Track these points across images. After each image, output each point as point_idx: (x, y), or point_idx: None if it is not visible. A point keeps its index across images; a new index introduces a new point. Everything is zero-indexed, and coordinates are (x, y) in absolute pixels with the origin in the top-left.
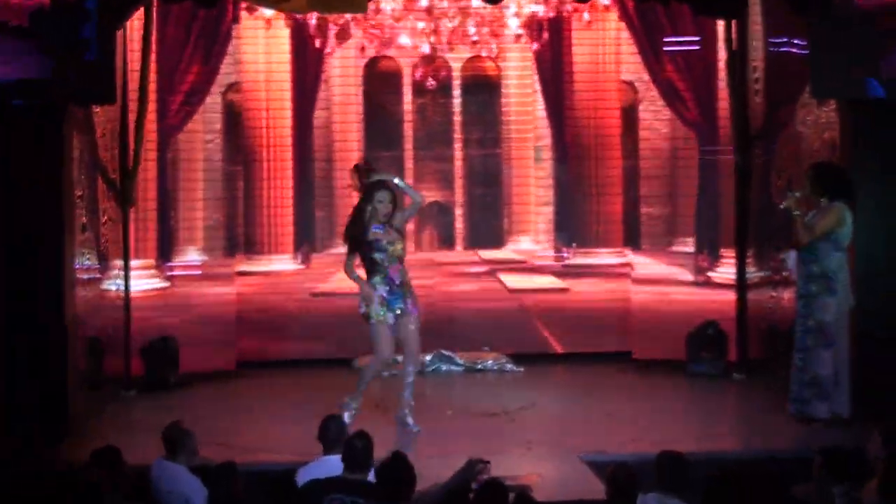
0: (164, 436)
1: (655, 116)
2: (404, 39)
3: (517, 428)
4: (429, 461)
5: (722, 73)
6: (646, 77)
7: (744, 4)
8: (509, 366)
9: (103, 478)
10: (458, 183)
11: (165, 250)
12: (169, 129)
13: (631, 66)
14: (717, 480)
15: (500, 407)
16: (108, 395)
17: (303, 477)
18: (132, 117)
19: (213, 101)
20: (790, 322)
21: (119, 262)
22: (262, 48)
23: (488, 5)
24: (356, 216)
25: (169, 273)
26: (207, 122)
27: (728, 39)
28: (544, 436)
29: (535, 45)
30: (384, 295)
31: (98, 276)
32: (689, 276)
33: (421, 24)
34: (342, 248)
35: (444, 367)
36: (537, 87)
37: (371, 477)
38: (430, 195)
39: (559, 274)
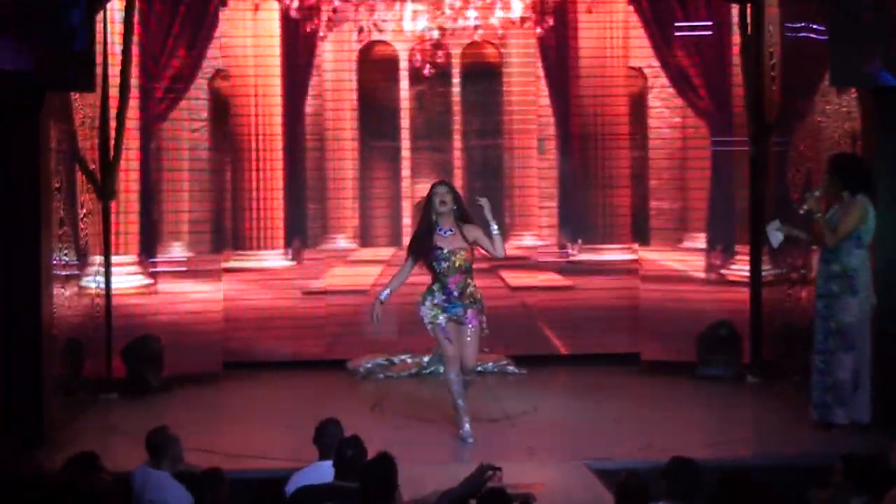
0: (147, 441)
1: (665, 105)
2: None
3: (519, 433)
4: (426, 468)
5: (736, 60)
6: (655, 63)
7: None
8: (511, 368)
9: (80, 484)
10: (458, 175)
11: (148, 245)
12: (152, 117)
13: (640, 51)
14: (727, 486)
15: (501, 411)
16: (88, 399)
17: (296, 482)
18: (113, 105)
19: (199, 88)
20: (807, 322)
21: (99, 258)
22: (250, 32)
23: None
24: (421, 220)
25: (152, 269)
26: (193, 110)
27: (742, 24)
28: (548, 442)
29: (539, 30)
30: (439, 302)
31: (77, 272)
32: (701, 274)
33: (419, 6)
34: (335, 244)
35: (442, 369)
36: (541, 73)
37: None
38: (428, 188)
39: (564, 271)
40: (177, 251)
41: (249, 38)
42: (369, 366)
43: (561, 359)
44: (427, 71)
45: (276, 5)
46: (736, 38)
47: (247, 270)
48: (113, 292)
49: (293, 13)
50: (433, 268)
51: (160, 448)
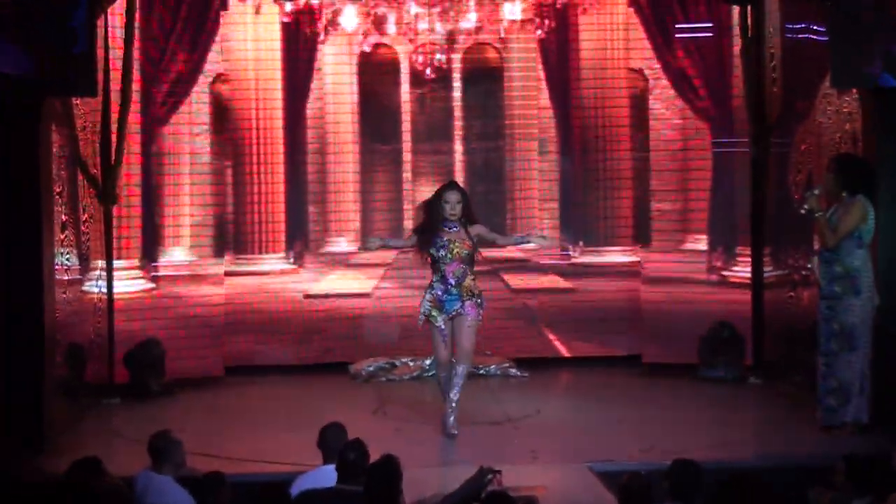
0: (149, 445)
1: (666, 106)
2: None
3: (522, 436)
4: (429, 471)
5: (736, 61)
6: (656, 65)
7: None
8: (513, 371)
9: (82, 487)
10: (459, 178)
11: (150, 250)
12: (153, 121)
13: (640, 53)
14: (729, 487)
15: (503, 414)
16: (90, 404)
17: (299, 486)
18: (114, 109)
19: (200, 91)
20: (809, 323)
21: (101, 263)
22: (251, 36)
23: None
24: (428, 210)
25: (154, 274)
26: (194, 114)
27: (743, 25)
28: (551, 444)
29: (540, 32)
30: (439, 295)
31: (79, 277)
32: (703, 276)
33: (420, 9)
34: (337, 247)
35: None
36: (542, 76)
37: None
38: (430, 191)
39: (565, 273)
40: (178, 255)
41: (250, 41)
42: (371, 369)
43: (563, 361)
44: (428, 74)
45: (277, 9)
46: (736, 40)
47: (248, 274)
48: (115, 296)
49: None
50: (432, 255)
51: (162, 452)
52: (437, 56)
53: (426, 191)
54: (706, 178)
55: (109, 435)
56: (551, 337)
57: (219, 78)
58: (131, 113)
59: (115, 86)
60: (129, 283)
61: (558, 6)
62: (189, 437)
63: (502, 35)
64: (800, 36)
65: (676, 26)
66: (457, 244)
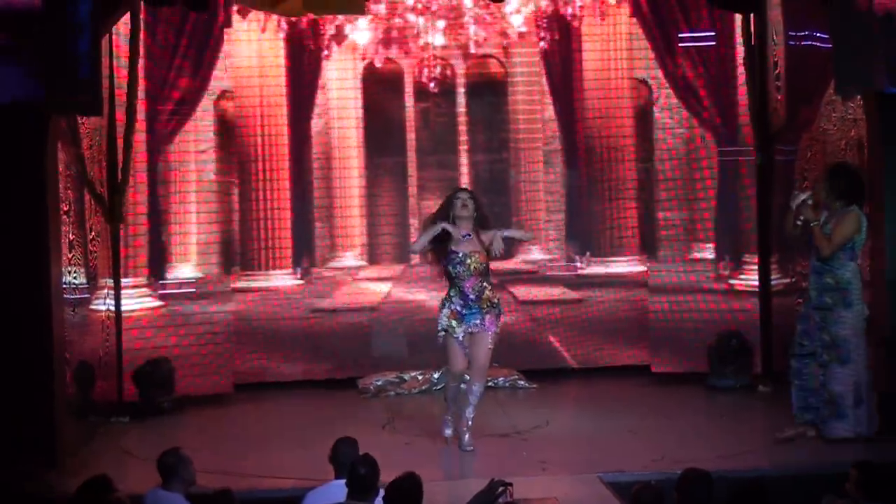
0: (159, 463)
1: (671, 116)
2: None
3: (531, 448)
4: (437, 485)
5: (740, 69)
6: (660, 74)
7: None
8: (521, 382)
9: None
10: None
11: (157, 268)
12: (159, 139)
13: (644, 63)
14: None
15: (512, 426)
16: (100, 422)
17: (310, 502)
18: (120, 128)
19: (205, 109)
20: None
21: (109, 281)
22: (255, 53)
23: (493, 2)
24: (439, 209)
25: (161, 291)
26: (199, 131)
27: (746, 33)
28: (560, 456)
29: (543, 44)
30: (458, 309)
31: (87, 295)
32: (710, 284)
33: (424, 23)
34: (343, 262)
35: None
36: (545, 87)
37: (378, 502)
38: (435, 203)
39: (572, 284)
40: (186, 272)
41: (255, 58)
42: (380, 383)
43: (571, 372)
44: (432, 87)
45: (281, 25)
46: (740, 48)
47: (255, 290)
48: (123, 315)
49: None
50: (449, 272)
51: (172, 470)
52: (441, 69)
53: (432, 204)
54: (712, 186)
55: (120, 453)
56: (559, 348)
57: (223, 95)
58: (136, 131)
59: (121, 104)
60: (136, 301)
61: (561, 17)
62: (199, 454)
63: (505, 47)
64: (803, 43)
65: (679, 35)
66: (473, 258)
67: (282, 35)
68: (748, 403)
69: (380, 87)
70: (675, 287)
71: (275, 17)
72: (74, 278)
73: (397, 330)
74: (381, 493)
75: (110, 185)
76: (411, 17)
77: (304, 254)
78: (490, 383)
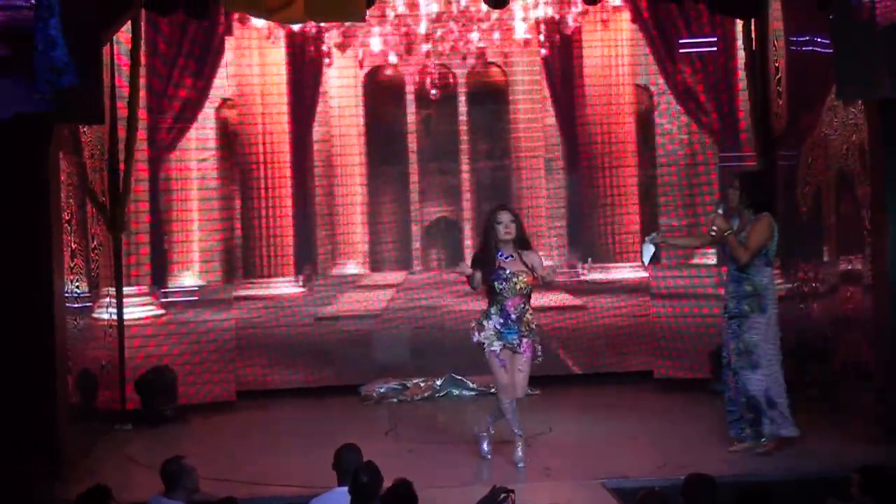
0: (162, 471)
1: (672, 122)
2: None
3: (534, 454)
4: (441, 492)
5: (741, 75)
6: (661, 81)
7: (763, 2)
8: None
9: None
10: (466, 197)
11: (159, 276)
12: (160, 148)
13: (645, 69)
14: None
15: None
16: (103, 430)
17: None
18: (121, 137)
19: (207, 117)
20: (820, 336)
21: (111, 290)
22: (256, 61)
23: (494, 10)
24: (484, 237)
25: (164, 300)
26: (200, 140)
27: (747, 39)
28: (564, 462)
29: (544, 51)
30: (497, 326)
31: (89, 304)
32: (712, 290)
33: (424, 31)
34: (345, 269)
35: (455, 392)
36: (547, 94)
37: None
38: (437, 211)
39: (574, 291)
40: (188, 281)
41: (256, 66)
42: (382, 390)
43: (574, 378)
44: (433, 95)
45: (282, 33)
46: (741, 54)
47: (258, 298)
48: (125, 323)
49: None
50: (493, 287)
51: (175, 478)
52: (442, 77)
53: (433, 211)
54: (713, 192)
55: (123, 461)
56: (562, 354)
57: (225, 103)
58: (138, 140)
59: (122, 113)
60: (139, 309)
61: (562, 24)
62: (202, 462)
63: (507, 54)
64: (804, 49)
65: (681, 42)
66: (520, 278)
67: (283, 43)
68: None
69: (381, 94)
70: (677, 293)
71: (276, 24)
72: (76, 287)
73: (400, 337)
74: None
75: (112, 193)
76: (412, 25)
77: (306, 261)
78: (492, 390)
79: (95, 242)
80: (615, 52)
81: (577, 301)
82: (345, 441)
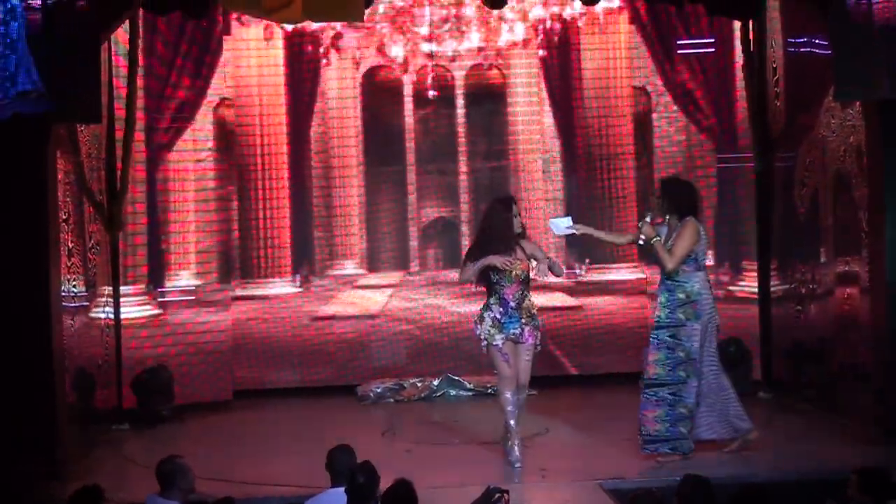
0: (157, 471)
1: (670, 123)
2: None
3: (531, 455)
4: (436, 492)
5: (739, 76)
6: (659, 82)
7: (760, 3)
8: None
9: None
10: (464, 198)
11: (157, 275)
12: (158, 147)
13: (643, 70)
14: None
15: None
16: (100, 430)
17: None
18: (119, 136)
19: (204, 117)
20: (817, 337)
21: (108, 289)
22: (254, 60)
23: (492, 10)
24: (494, 226)
25: (161, 299)
26: (198, 139)
27: (745, 40)
28: (560, 463)
29: (542, 52)
30: (497, 316)
31: (86, 303)
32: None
33: (423, 30)
34: (343, 270)
35: (452, 392)
36: (545, 95)
37: None
38: (435, 211)
39: (572, 291)
40: (185, 280)
41: (254, 66)
42: (379, 391)
43: (571, 379)
44: (431, 95)
45: (280, 33)
46: (739, 55)
47: (255, 298)
48: (122, 323)
49: (297, 41)
50: (489, 278)
51: (170, 477)
52: (440, 77)
53: (431, 212)
54: (711, 193)
55: (120, 460)
56: (559, 355)
57: (222, 103)
58: (136, 140)
59: (119, 112)
60: (136, 309)
61: (560, 25)
62: (198, 462)
63: (505, 55)
64: (802, 50)
65: (679, 43)
66: (515, 265)
67: (281, 43)
68: (747, 410)
69: (379, 94)
70: None
71: (274, 24)
72: (73, 286)
73: (396, 337)
74: None
75: (109, 193)
76: (410, 25)
77: (304, 261)
78: (489, 390)
79: (93, 241)
80: (613, 53)
81: (575, 302)
82: (341, 441)
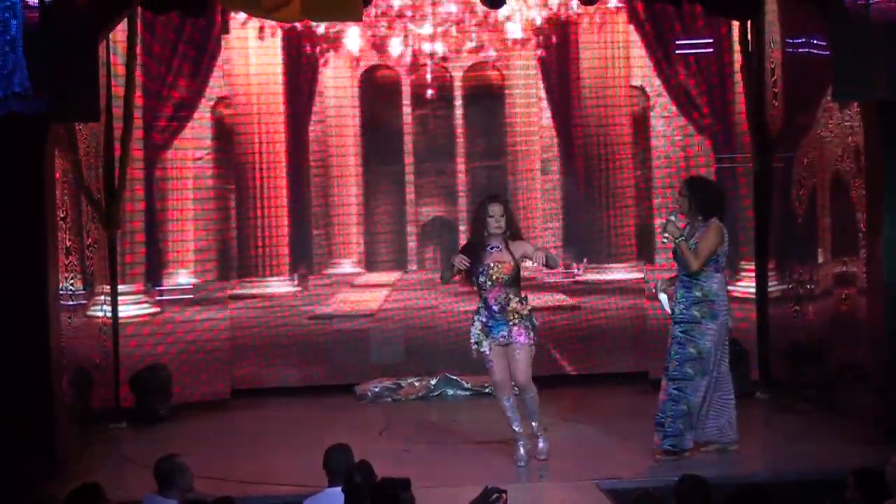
0: (155, 470)
1: (668, 123)
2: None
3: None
4: (434, 491)
5: (737, 76)
6: (657, 82)
7: (759, 4)
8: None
9: None
10: (462, 197)
11: (154, 274)
12: (156, 146)
13: (641, 70)
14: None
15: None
16: (98, 429)
17: None
18: (117, 134)
19: (202, 116)
20: (815, 337)
21: (105, 287)
22: (252, 59)
23: (491, 10)
24: (472, 229)
25: (159, 298)
26: (196, 138)
27: (743, 40)
28: (557, 463)
29: (540, 51)
30: (484, 321)
31: (84, 302)
32: None
33: (420, 30)
34: (341, 269)
35: (450, 392)
36: (543, 94)
37: None
38: (433, 211)
39: (569, 291)
40: (183, 279)
41: (252, 65)
42: (377, 390)
43: (569, 379)
44: (429, 94)
45: (279, 32)
46: (737, 55)
47: (253, 297)
48: (120, 321)
49: (295, 40)
50: (474, 283)
51: (168, 476)
52: (438, 76)
53: (429, 211)
54: None
55: (118, 459)
56: (556, 355)
57: (221, 102)
58: (134, 138)
59: (118, 111)
60: (134, 307)
61: (558, 25)
62: (196, 461)
63: (503, 54)
64: (800, 50)
65: (677, 42)
66: (495, 269)
67: (279, 42)
68: (745, 410)
69: (377, 94)
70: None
71: (272, 23)
72: (71, 285)
73: (394, 336)
74: None
75: (107, 191)
76: (409, 25)
77: (302, 260)
78: (487, 390)
79: (90, 240)
80: (611, 52)
81: (572, 301)
82: (339, 440)
